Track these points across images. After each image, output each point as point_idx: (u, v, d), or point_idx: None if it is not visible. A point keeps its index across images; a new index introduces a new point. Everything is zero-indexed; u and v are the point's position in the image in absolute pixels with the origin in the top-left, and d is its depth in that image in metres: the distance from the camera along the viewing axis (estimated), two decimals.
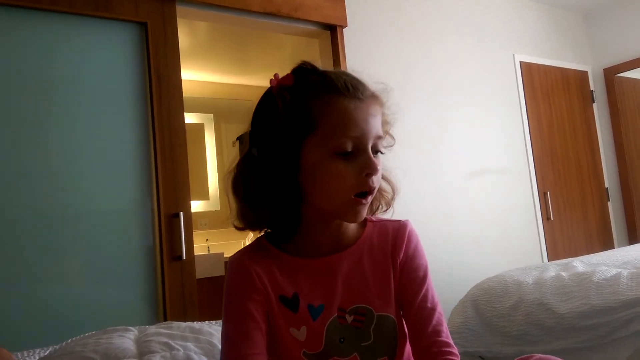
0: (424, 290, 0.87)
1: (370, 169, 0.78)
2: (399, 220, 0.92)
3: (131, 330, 1.23)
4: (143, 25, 2.20)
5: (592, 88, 4.24)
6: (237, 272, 0.85)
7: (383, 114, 0.84)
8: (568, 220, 3.82)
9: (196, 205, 4.25)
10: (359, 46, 2.91)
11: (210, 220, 4.39)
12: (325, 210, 0.83)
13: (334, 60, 2.79)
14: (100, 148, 2.05)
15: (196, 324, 1.32)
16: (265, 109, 0.83)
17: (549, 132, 3.84)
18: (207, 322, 1.53)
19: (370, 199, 0.82)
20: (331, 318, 0.83)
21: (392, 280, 0.87)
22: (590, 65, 4.29)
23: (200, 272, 2.56)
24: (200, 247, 4.04)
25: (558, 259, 3.07)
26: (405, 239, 0.89)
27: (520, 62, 3.75)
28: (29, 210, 1.89)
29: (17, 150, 1.90)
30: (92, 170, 2.02)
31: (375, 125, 0.80)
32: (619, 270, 1.93)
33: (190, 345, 1.10)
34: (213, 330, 1.22)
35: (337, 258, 0.86)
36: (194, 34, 3.50)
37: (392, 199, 0.92)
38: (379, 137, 0.81)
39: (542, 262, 3.53)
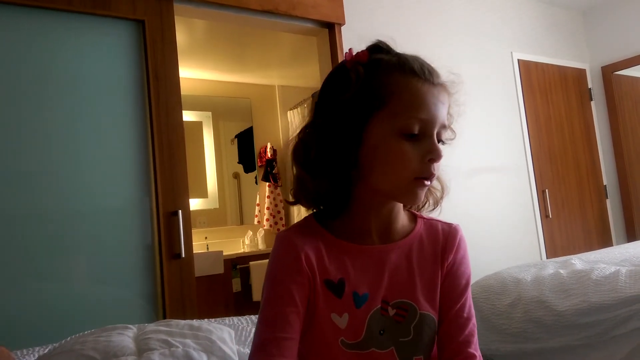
0: (463, 299, 0.87)
1: (433, 154, 0.78)
2: (450, 223, 0.91)
3: (130, 328, 1.23)
4: (140, 23, 2.20)
5: (590, 86, 4.24)
6: (284, 251, 0.82)
7: (450, 105, 0.84)
8: (566, 217, 3.83)
9: (195, 204, 4.25)
10: (357, 44, 2.90)
11: (209, 218, 4.39)
12: (383, 190, 0.81)
13: (331, 58, 2.79)
14: (98, 146, 2.05)
15: (195, 322, 1.32)
16: (337, 82, 0.82)
17: (547, 130, 3.84)
18: (206, 319, 1.53)
19: (430, 183, 0.81)
20: (374, 308, 0.82)
21: (439, 282, 0.86)
22: (588, 63, 4.29)
23: (199, 270, 2.55)
24: (199, 245, 4.04)
25: (556, 257, 3.08)
26: (456, 243, 0.89)
27: (518, 60, 3.75)
28: (27, 209, 1.88)
29: (14, 148, 1.89)
30: (91, 168, 2.02)
31: (442, 113, 0.80)
32: (618, 267, 1.93)
33: (189, 342, 1.10)
34: (212, 327, 1.22)
35: (387, 248, 0.85)
36: (191, 31, 3.50)
37: (441, 197, 0.91)
38: (444, 127, 0.81)
39: (541, 259, 3.53)
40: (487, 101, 3.51)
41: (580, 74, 4.20)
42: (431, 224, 0.90)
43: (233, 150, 4.65)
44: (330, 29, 2.81)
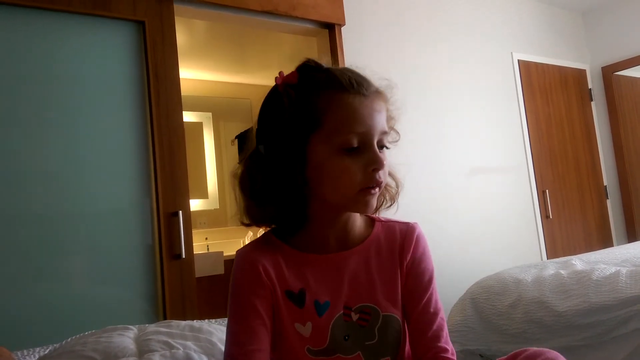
0: (428, 295, 0.88)
1: (376, 164, 0.79)
2: (408, 223, 0.93)
3: (131, 329, 1.22)
4: (141, 24, 2.20)
5: (590, 86, 4.24)
6: (243, 267, 0.85)
7: (387, 110, 0.85)
8: (567, 218, 3.83)
9: (195, 204, 4.25)
10: (357, 45, 2.91)
11: (209, 219, 4.39)
12: (335, 203, 0.83)
13: (332, 59, 2.78)
14: (99, 147, 2.05)
15: (196, 323, 1.32)
16: (271, 107, 0.84)
17: (548, 130, 3.84)
18: (206, 320, 1.53)
19: (378, 190, 0.82)
20: (337, 315, 0.83)
21: (399, 282, 0.87)
22: (589, 63, 4.29)
23: (200, 270, 2.55)
24: (199, 246, 4.04)
25: (557, 257, 3.08)
26: (414, 241, 0.90)
27: (518, 60, 3.75)
28: (27, 210, 1.88)
29: (15, 149, 1.89)
30: (91, 169, 2.02)
31: (380, 121, 0.81)
32: (618, 268, 1.93)
33: (189, 344, 1.10)
34: (213, 329, 1.22)
35: (344, 255, 0.86)
36: (192, 32, 3.50)
37: (397, 193, 0.92)
38: (384, 133, 0.82)
39: (541, 260, 3.53)
40: (487, 102, 3.51)
41: (580, 74, 4.20)
42: (389, 225, 0.92)
43: (233, 151, 4.64)
44: (330, 29, 2.81)
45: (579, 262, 2.24)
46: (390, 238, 0.90)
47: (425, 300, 0.87)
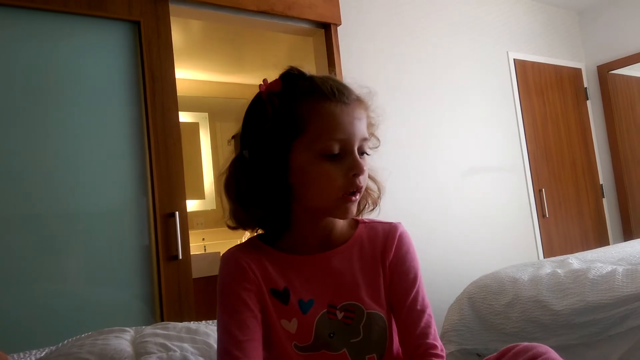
0: (414, 292, 0.89)
1: (356, 169, 0.82)
2: (390, 222, 0.95)
3: (127, 331, 1.22)
4: (136, 24, 2.19)
5: (585, 85, 4.25)
6: (229, 265, 0.87)
7: (368, 117, 0.88)
8: (563, 217, 3.84)
9: (192, 205, 4.24)
10: (353, 44, 2.91)
11: (206, 219, 4.38)
12: (316, 208, 0.86)
13: (328, 58, 2.79)
14: (95, 147, 2.04)
15: (193, 325, 1.31)
16: (255, 114, 0.87)
17: (544, 129, 3.85)
18: (203, 322, 1.53)
19: (358, 196, 0.85)
20: (321, 312, 0.86)
21: (382, 280, 0.89)
22: (584, 62, 4.31)
23: (197, 271, 2.55)
24: (196, 247, 4.03)
25: (553, 256, 3.09)
26: (396, 240, 0.92)
27: (514, 59, 3.76)
28: (22, 210, 1.87)
29: (10, 149, 1.88)
30: (87, 170, 2.01)
31: (360, 128, 0.84)
32: (614, 266, 1.94)
33: (186, 346, 1.10)
34: (209, 330, 1.22)
35: (327, 255, 0.89)
36: (187, 32, 3.49)
37: (379, 197, 0.95)
38: (365, 139, 0.85)
39: (538, 259, 3.54)
40: (483, 101, 3.52)
41: (576, 73, 4.21)
42: (372, 226, 0.95)
43: (230, 151, 4.62)
44: (327, 29, 2.81)
45: (576, 260, 2.24)
46: (373, 238, 0.92)
47: (411, 297, 0.89)
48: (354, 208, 0.85)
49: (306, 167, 0.82)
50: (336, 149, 0.81)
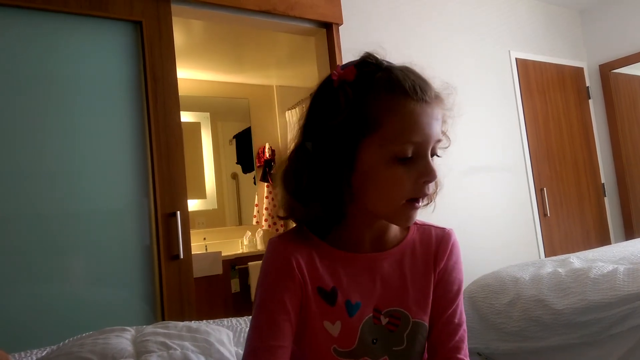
0: (454, 305, 0.86)
1: (428, 176, 0.76)
2: (444, 228, 0.91)
3: (128, 330, 1.22)
4: (138, 24, 2.20)
5: (587, 84, 4.25)
6: (276, 259, 0.81)
7: (443, 115, 0.81)
8: (565, 216, 3.83)
9: (193, 204, 4.25)
10: (355, 44, 2.89)
11: (207, 219, 4.39)
12: (376, 212, 0.81)
13: (329, 58, 2.79)
14: (97, 148, 2.05)
15: (193, 324, 1.32)
16: (325, 103, 0.79)
17: (545, 128, 3.84)
18: (204, 321, 1.53)
19: (422, 204, 0.79)
20: (367, 317, 0.81)
21: (431, 288, 0.85)
22: (586, 61, 4.30)
23: (198, 271, 2.56)
24: (197, 246, 4.04)
25: (555, 255, 3.08)
26: (449, 249, 0.88)
27: (516, 58, 3.75)
28: (25, 210, 1.88)
29: (12, 150, 1.89)
30: (89, 170, 2.02)
31: (437, 129, 0.77)
32: (616, 266, 1.93)
33: (187, 344, 1.10)
34: (210, 329, 1.22)
35: (379, 257, 0.84)
36: (189, 32, 3.49)
37: (435, 193, 0.89)
38: (438, 141, 0.79)
39: (539, 258, 3.54)
40: (485, 100, 3.51)
41: (577, 72, 4.20)
42: (424, 229, 0.90)
43: (231, 150, 4.64)
44: (328, 28, 2.81)
45: (577, 260, 2.24)
46: (425, 243, 0.88)
47: (451, 310, 0.85)
48: (415, 216, 0.79)
49: (374, 168, 0.75)
50: (410, 152, 0.74)
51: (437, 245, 0.88)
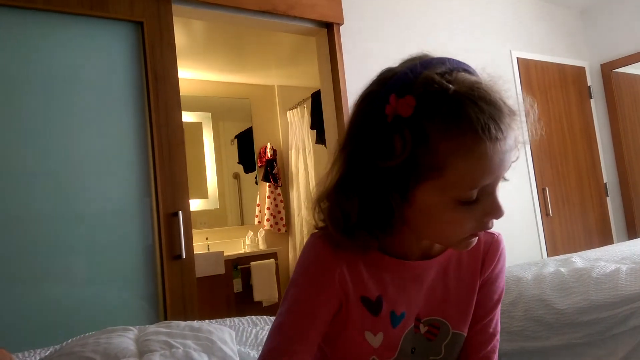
0: (493, 314, 0.83)
1: (495, 214, 0.69)
2: (493, 233, 0.84)
3: (131, 330, 1.23)
4: (139, 25, 2.20)
5: (589, 84, 4.24)
6: (318, 264, 0.74)
7: (516, 138, 0.68)
8: (567, 216, 3.83)
9: (195, 204, 4.25)
10: (356, 43, 2.91)
11: (209, 218, 4.39)
12: (431, 241, 0.76)
13: (330, 58, 2.79)
14: (98, 148, 2.05)
15: (195, 323, 1.32)
16: (376, 143, 0.66)
17: (547, 128, 3.84)
18: (206, 321, 1.53)
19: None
20: (410, 327, 0.78)
21: (475, 297, 0.82)
22: (588, 61, 4.29)
23: (200, 270, 2.56)
24: (199, 246, 4.04)
25: (557, 255, 3.08)
26: (497, 257, 0.83)
27: (517, 58, 3.75)
28: (27, 211, 1.88)
29: (14, 150, 1.89)
30: (90, 170, 2.02)
31: (509, 161, 0.67)
32: (618, 265, 1.93)
33: (189, 343, 1.11)
34: (212, 328, 1.22)
35: (426, 265, 0.78)
36: (190, 32, 3.50)
37: None
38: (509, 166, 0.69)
39: (542, 257, 3.53)
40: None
41: (579, 72, 4.20)
42: None
43: (233, 150, 4.65)
44: (329, 28, 2.81)
45: (579, 259, 2.24)
46: (473, 249, 0.79)
47: (488, 319, 0.82)
48: (475, 241, 0.72)
49: (432, 209, 0.67)
50: (475, 194, 0.66)
51: (485, 253, 0.82)
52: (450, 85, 0.63)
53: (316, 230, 0.77)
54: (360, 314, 0.75)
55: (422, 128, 0.63)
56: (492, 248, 0.83)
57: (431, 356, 0.80)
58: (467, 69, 0.70)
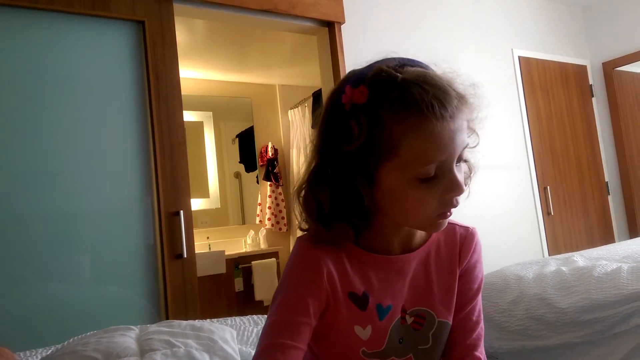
0: (474, 303, 0.87)
1: (454, 191, 0.73)
2: (467, 227, 0.92)
3: (132, 329, 1.23)
4: (140, 24, 2.20)
5: (591, 82, 4.23)
6: (305, 263, 0.79)
7: (469, 120, 0.76)
8: (568, 214, 3.83)
9: (196, 204, 4.26)
10: (357, 42, 2.91)
11: (210, 218, 4.40)
12: (405, 225, 0.80)
13: (332, 57, 2.79)
14: (100, 147, 2.06)
15: (197, 322, 1.32)
16: (337, 130, 0.74)
17: (549, 126, 3.83)
18: (208, 320, 1.53)
19: (451, 213, 0.77)
20: (396, 319, 0.82)
21: (456, 288, 0.86)
22: (589, 59, 4.29)
23: (201, 270, 2.56)
24: (201, 245, 4.04)
25: (558, 254, 3.08)
26: (472, 248, 0.89)
27: (519, 56, 3.74)
28: (29, 210, 1.89)
29: (16, 150, 1.90)
30: (92, 169, 2.03)
31: (461, 140, 0.72)
32: (620, 264, 1.93)
33: (191, 342, 1.11)
34: (214, 327, 1.22)
35: (407, 258, 0.83)
36: (191, 31, 3.50)
37: (469, 178, 0.87)
38: (464, 147, 0.74)
39: (543, 256, 3.53)
40: (488, 98, 3.50)
41: (581, 70, 4.19)
42: (449, 228, 0.88)
43: (234, 150, 4.65)
44: (330, 27, 2.81)
45: (581, 258, 2.23)
46: (450, 242, 0.88)
47: (470, 307, 0.86)
48: (446, 222, 0.77)
49: (398, 189, 0.73)
50: (433, 171, 0.71)
51: (462, 244, 0.88)
52: (398, 74, 0.71)
53: (302, 233, 0.82)
54: (349, 309, 0.79)
55: (376, 113, 0.70)
56: (467, 240, 0.89)
57: (419, 346, 0.83)
58: (419, 64, 0.76)
